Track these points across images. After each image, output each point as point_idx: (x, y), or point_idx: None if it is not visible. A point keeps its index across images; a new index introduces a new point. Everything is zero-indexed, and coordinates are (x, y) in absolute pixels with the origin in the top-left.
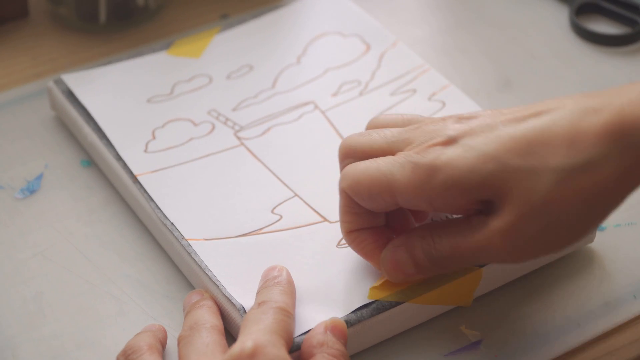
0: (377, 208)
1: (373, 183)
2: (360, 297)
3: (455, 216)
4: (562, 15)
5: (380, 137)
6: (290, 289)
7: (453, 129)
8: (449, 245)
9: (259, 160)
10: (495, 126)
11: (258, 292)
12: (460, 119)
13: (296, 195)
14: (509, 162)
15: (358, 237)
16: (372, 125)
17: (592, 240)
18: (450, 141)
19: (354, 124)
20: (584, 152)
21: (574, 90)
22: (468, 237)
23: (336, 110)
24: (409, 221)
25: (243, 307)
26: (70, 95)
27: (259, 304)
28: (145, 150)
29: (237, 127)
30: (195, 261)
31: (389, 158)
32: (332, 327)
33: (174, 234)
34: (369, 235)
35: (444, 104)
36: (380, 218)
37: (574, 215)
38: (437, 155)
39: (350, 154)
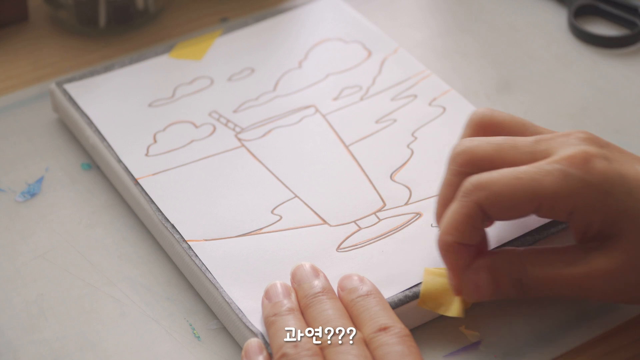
0: (511, 217)
1: (516, 192)
2: None
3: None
4: (560, 17)
5: (510, 146)
6: (381, 297)
7: (597, 149)
8: (543, 275)
9: (260, 161)
10: (634, 165)
11: (349, 306)
12: (593, 140)
13: (296, 196)
14: None
15: (459, 250)
16: (484, 122)
17: None
18: (599, 157)
19: (354, 128)
20: None
21: (573, 92)
22: (565, 270)
23: (337, 114)
24: (487, 242)
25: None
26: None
27: (385, 329)
28: (147, 154)
29: (238, 129)
30: (195, 264)
31: (531, 166)
32: None
33: (174, 237)
34: (467, 251)
35: (444, 109)
36: (482, 235)
37: None
38: (592, 168)
39: (474, 163)
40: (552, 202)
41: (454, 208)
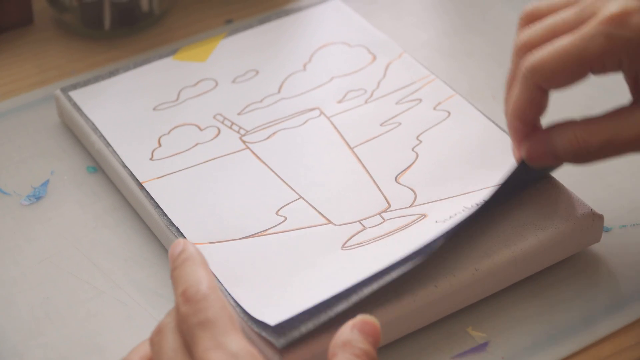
0: (568, 85)
1: (567, 65)
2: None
3: None
4: None
5: (557, 23)
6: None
7: (637, 4)
8: (599, 139)
9: (264, 163)
10: None
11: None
12: None
13: (301, 197)
14: None
15: (522, 126)
16: (533, 16)
17: (598, 240)
18: (638, 12)
19: (359, 131)
20: None
21: (579, 91)
22: (622, 134)
23: (341, 117)
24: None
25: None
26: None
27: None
28: (152, 159)
29: (242, 131)
30: None
31: (575, 36)
32: (361, 324)
33: None
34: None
35: (449, 113)
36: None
37: None
38: (631, 25)
39: (536, 15)
40: (601, 63)
41: (516, 93)
